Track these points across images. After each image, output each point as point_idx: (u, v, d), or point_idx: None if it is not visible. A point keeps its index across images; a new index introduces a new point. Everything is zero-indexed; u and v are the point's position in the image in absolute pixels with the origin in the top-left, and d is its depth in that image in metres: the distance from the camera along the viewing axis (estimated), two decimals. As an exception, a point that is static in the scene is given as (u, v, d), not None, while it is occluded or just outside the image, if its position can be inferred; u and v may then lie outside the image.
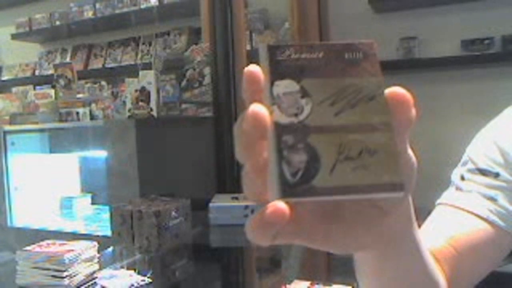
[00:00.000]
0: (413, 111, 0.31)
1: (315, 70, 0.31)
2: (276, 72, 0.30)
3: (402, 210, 0.36)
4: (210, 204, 1.83)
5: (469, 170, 0.65)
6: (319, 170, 0.29)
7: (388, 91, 0.31)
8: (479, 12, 2.29)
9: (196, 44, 2.31)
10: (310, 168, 0.29)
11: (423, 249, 0.42)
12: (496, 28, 2.23)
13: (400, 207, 0.35)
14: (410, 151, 0.34)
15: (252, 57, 2.54)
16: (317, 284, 1.20)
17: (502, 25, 2.22)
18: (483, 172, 0.64)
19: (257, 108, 0.29)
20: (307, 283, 1.21)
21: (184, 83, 2.15)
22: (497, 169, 0.63)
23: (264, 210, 0.28)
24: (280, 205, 0.28)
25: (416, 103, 0.31)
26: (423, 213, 0.39)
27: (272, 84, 0.30)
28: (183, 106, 2.15)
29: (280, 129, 0.29)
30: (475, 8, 2.29)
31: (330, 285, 1.19)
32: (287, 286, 1.20)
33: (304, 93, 0.30)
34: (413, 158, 0.34)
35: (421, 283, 0.45)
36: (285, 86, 0.30)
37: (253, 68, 0.30)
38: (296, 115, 0.30)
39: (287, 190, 0.28)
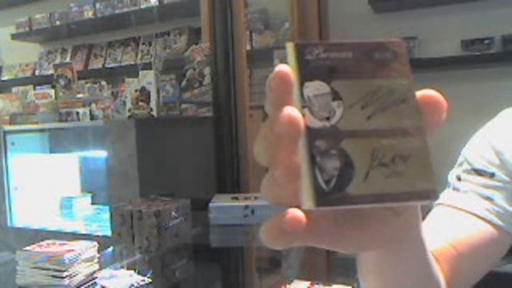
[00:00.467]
0: (444, 114, 0.31)
1: (345, 71, 0.30)
2: (305, 72, 0.29)
3: (412, 211, 0.36)
4: (210, 204, 1.83)
5: (465, 171, 0.66)
6: (353, 177, 0.28)
7: (421, 93, 0.30)
8: (479, 12, 2.29)
9: (196, 44, 2.31)
10: (344, 175, 0.28)
11: (428, 248, 0.42)
12: (496, 28, 2.24)
13: (411, 208, 0.35)
14: None
15: (252, 57, 2.55)
16: (317, 284, 1.20)
17: (502, 25, 2.22)
18: (478, 172, 0.64)
19: (292, 112, 0.27)
20: (307, 283, 1.21)
21: (184, 83, 2.15)
22: (492, 169, 0.63)
23: (281, 217, 0.28)
24: (297, 213, 0.28)
25: (448, 105, 0.31)
26: (422, 213, 0.39)
27: (301, 85, 0.29)
28: (183, 106, 2.15)
29: (312, 133, 0.28)
30: (475, 8, 2.30)
31: (330, 285, 1.19)
32: (287, 286, 1.19)
33: (335, 95, 0.29)
34: None
35: (423, 282, 0.45)
36: (315, 87, 0.29)
37: (284, 68, 0.29)
38: (327, 118, 0.28)
39: (321, 199, 0.27)
